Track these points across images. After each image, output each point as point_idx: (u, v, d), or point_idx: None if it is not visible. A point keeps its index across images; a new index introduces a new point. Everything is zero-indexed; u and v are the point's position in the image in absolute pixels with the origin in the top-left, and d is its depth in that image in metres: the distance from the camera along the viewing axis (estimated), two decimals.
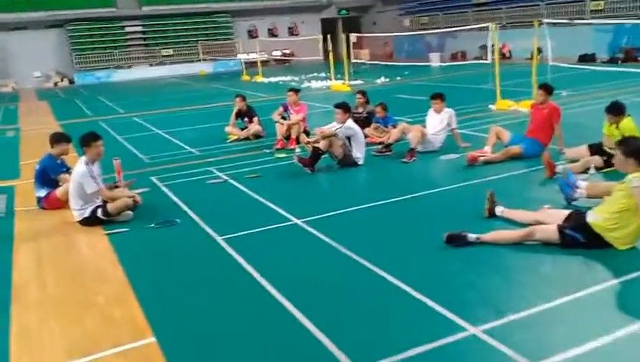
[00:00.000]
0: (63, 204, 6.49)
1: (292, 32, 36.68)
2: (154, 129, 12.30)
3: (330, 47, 18.41)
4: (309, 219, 5.45)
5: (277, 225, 5.37)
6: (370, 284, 4.02)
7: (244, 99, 10.32)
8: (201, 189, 7.05)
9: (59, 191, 6.45)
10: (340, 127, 7.30)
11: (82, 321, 3.80)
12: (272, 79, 23.58)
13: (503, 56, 24.86)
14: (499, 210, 4.81)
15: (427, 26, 30.09)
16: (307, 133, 9.34)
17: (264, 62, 32.31)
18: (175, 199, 6.61)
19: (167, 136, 11.30)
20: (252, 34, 35.23)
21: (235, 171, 7.74)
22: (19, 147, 11.08)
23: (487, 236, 4.30)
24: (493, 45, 12.37)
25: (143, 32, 31.87)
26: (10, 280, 4.56)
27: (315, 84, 20.04)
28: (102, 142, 5.95)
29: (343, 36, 18.63)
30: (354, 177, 7.18)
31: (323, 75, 23.84)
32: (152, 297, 4.09)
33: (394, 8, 34.14)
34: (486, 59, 24.27)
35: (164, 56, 31.68)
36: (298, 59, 33.80)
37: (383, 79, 19.74)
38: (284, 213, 5.70)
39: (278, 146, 9.06)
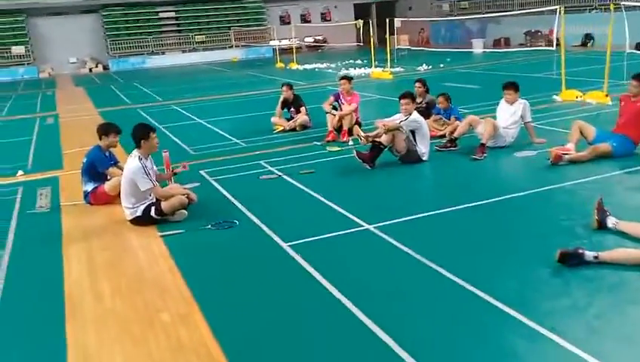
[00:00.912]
0: (110, 199, 6.12)
1: (325, 17, 35.97)
2: (195, 118, 11.90)
3: (371, 33, 17.73)
4: (381, 224, 4.93)
5: (347, 231, 4.86)
6: (457, 300, 3.50)
7: (291, 87, 9.80)
8: (254, 185, 6.59)
9: (107, 186, 6.06)
10: (405, 120, 6.73)
11: (146, 343, 3.37)
12: (307, 66, 23.00)
13: (549, 43, 23.82)
14: (611, 221, 4.18)
15: (467, 11, 29.07)
16: (359, 125, 8.82)
17: (297, 49, 31.83)
18: (228, 196, 6.17)
19: (209, 125, 10.88)
20: (284, 20, 34.65)
21: (287, 166, 7.26)
22: (59, 135, 10.80)
23: (607, 255, 3.68)
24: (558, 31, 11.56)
25: (176, 18, 31.56)
26: (62, 290, 4.16)
27: (353, 71, 19.39)
28: (156, 134, 5.51)
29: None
30: (420, 175, 6.62)
31: (359, 61, 23.19)
32: (220, 315, 3.64)
33: None
34: (531, 46, 23.43)
35: (197, 42, 31.34)
36: (331, 46, 33.17)
37: (424, 66, 18.99)
38: (351, 216, 5.19)
39: (329, 139, 8.54)
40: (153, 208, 5.34)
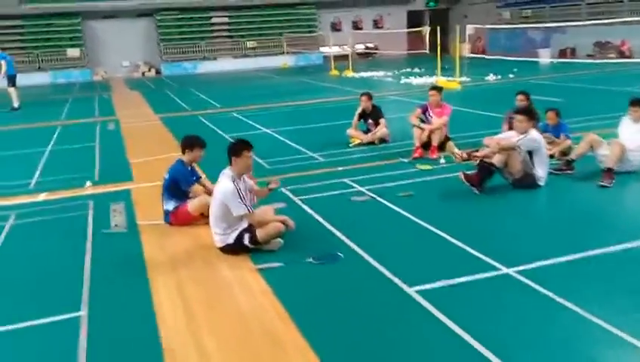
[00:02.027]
0: (193, 220, 5.51)
1: (377, 24, 35.24)
2: (260, 127, 11.31)
3: (438, 40, 16.86)
4: (521, 268, 4.12)
5: (482, 276, 4.07)
6: None
7: (370, 98, 9.07)
8: (347, 208, 5.87)
9: (191, 206, 5.45)
10: (523, 139, 5.90)
11: None
12: (363, 74, 22.29)
13: (620, 54, 22.46)
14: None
15: (530, 20, 27.83)
16: (448, 140, 8.03)
17: (346, 56, 31.22)
18: (321, 220, 5.48)
19: (278, 136, 10.25)
20: (336, 27, 34.10)
21: (377, 186, 6.53)
22: (123, 143, 10.36)
23: None
24: None
25: (229, 24, 31.37)
26: (158, 339, 3.51)
27: (416, 80, 18.58)
28: (253, 152, 4.85)
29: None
30: (543, 204, 5.78)
31: (417, 70, 22.35)
32: None
33: (489, 0, 31.94)
34: (600, 58, 22.08)
35: (248, 48, 31.07)
36: (382, 53, 32.41)
37: (492, 76, 18.00)
38: (478, 254, 4.41)
39: (417, 155, 7.78)
40: (247, 236, 4.68)
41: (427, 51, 20.38)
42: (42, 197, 6.84)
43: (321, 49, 32.71)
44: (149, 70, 29.58)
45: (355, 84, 19.12)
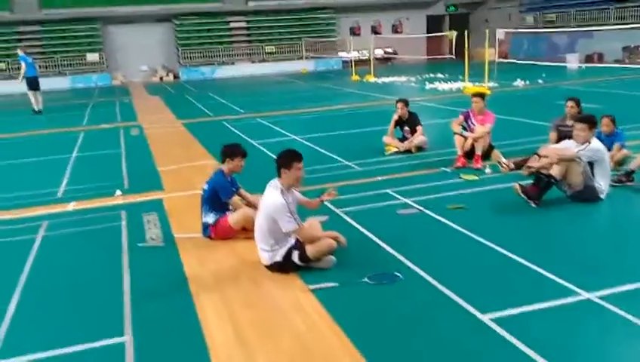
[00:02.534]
0: (234, 234, 5.20)
1: (396, 29, 34.89)
2: (287, 133, 11.00)
3: (466, 45, 16.50)
4: (604, 293, 3.75)
5: (561, 302, 3.70)
6: None
7: (406, 104, 8.73)
8: (395, 222, 5.52)
9: (232, 219, 5.14)
10: (584, 149, 5.51)
11: None
12: (385, 79, 21.94)
13: None
14: None
15: (555, 24, 27.29)
16: (492, 149, 7.67)
17: (365, 61, 30.96)
18: (370, 235, 5.14)
19: (307, 143, 9.93)
20: (354, 31, 33.78)
21: (423, 197, 6.17)
22: (149, 149, 10.10)
23: None
24: None
25: (247, 28, 31.22)
26: None
27: (441, 85, 18.18)
28: (302, 164, 4.52)
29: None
30: (610, 219, 5.39)
31: (441, 75, 21.97)
32: None
33: (511, 4, 31.47)
34: (630, 63, 21.51)
35: (267, 53, 30.87)
36: (401, 58, 32.04)
37: (521, 81, 17.54)
38: (551, 276, 4.04)
39: (459, 165, 7.41)
40: (296, 253, 4.35)
41: (453, 56, 19.99)
42: (72, 206, 6.57)
43: (340, 54, 32.46)
44: (167, 75, 29.48)
45: (378, 89, 18.80)
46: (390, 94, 17.14)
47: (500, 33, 16.34)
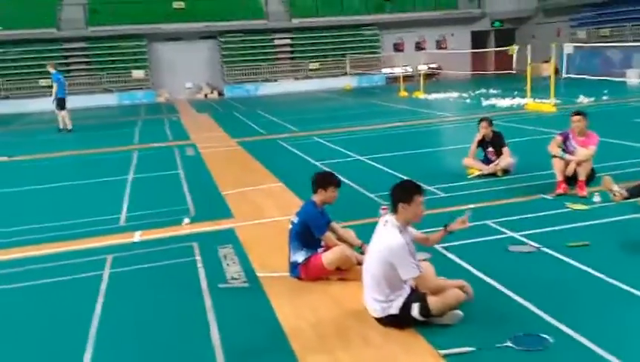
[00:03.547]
0: (327, 274, 4.53)
1: (440, 45, 34.13)
2: (351, 153, 10.33)
3: (528, 60, 15.59)
4: None
5: None
6: None
7: (490, 123, 7.98)
8: (512, 262, 4.77)
9: (327, 259, 4.47)
10: None
11: None
12: (435, 95, 21.15)
13: None
14: None
15: (609, 39, 26.08)
16: (594, 173, 6.83)
17: (408, 77, 30.27)
18: (486, 279, 4.39)
19: (374, 163, 9.25)
20: (398, 47, 33.21)
21: (532, 231, 5.41)
22: (208, 170, 9.58)
23: None
24: None
25: (291, 45, 30.94)
26: None
27: (500, 102, 17.28)
28: (423, 198, 3.83)
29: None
30: None
31: (493, 90, 21.06)
32: None
33: (560, 20, 30.36)
34: None
35: (310, 69, 30.49)
36: (445, 73, 31.19)
37: (584, 98, 16.51)
38: None
39: (560, 191, 6.60)
40: (416, 306, 3.63)
41: (514, 71, 19.04)
42: (138, 237, 6.03)
43: (383, 70, 31.90)
44: (212, 92, 29.35)
45: (430, 106, 18.05)
46: (444, 111, 16.37)
47: (569, 48, 15.38)
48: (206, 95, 29.04)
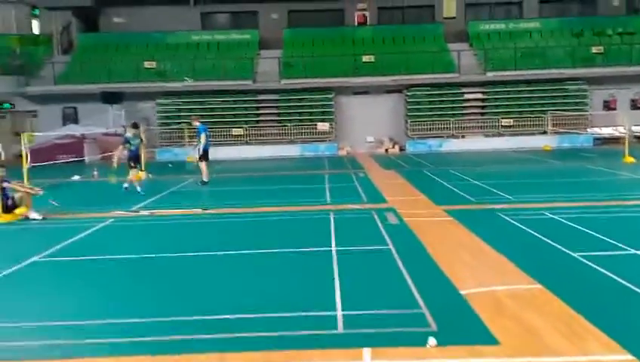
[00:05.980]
0: None
1: None
2: (613, 241, 7.70)
3: None
4: None
5: None
6: None
7: None
8: None
9: None
10: None
11: None
12: None
13: None
14: None
15: None
16: None
17: (614, 140, 25.97)
18: None
19: None
20: (608, 105, 28.95)
21: None
22: (426, 250, 7.68)
23: None
24: None
25: (483, 100, 28.60)
26: None
27: None
28: None
29: None
30: None
31: None
32: None
33: None
34: None
35: (503, 125, 27.73)
36: None
37: None
38: None
39: None
40: None
41: None
42: (368, 356, 4.27)
43: (589, 130, 27.89)
44: (393, 146, 28.04)
45: None
46: None
47: None
48: (387, 149, 27.80)
